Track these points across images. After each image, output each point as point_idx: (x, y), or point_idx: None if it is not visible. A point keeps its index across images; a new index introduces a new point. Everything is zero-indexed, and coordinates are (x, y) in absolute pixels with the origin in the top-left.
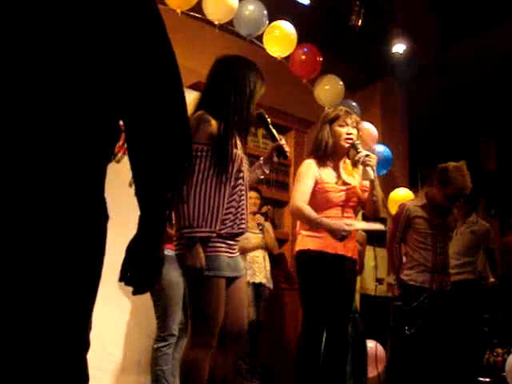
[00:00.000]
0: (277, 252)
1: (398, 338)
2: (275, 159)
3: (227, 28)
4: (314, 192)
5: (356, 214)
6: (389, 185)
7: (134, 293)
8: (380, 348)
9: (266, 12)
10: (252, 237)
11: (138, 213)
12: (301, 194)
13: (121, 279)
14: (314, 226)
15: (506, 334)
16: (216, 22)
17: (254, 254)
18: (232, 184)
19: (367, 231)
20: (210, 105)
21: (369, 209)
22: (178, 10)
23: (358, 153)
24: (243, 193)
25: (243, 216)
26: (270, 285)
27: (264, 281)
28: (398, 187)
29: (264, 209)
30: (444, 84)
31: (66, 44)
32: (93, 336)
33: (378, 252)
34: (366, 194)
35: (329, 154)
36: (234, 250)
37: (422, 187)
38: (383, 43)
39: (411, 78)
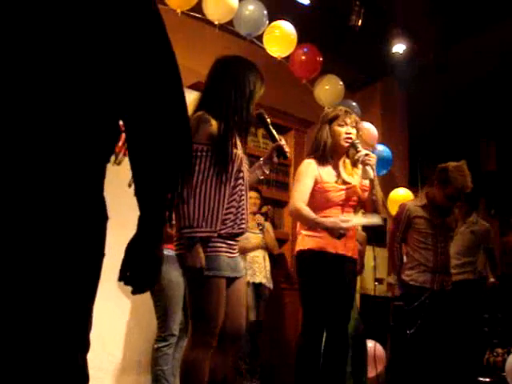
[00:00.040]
0: (277, 252)
1: (398, 337)
2: (275, 159)
3: (227, 28)
4: (313, 191)
5: (356, 214)
6: (388, 185)
7: (134, 292)
8: (379, 348)
9: (266, 12)
10: (252, 237)
11: (138, 213)
12: (300, 195)
13: (120, 279)
14: (311, 226)
15: (506, 334)
16: (216, 22)
17: (254, 254)
18: (232, 184)
19: (367, 228)
20: (210, 105)
21: (369, 208)
22: (178, 10)
23: (357, 152)
24: (243, 193)
25: (243, 216)
26: (270, 285)
27: (264, 281)
28: (398, 187)
29: (264, 209)
30: (444, 84)
31: (66, 44)
32: (93, 336)
33: (378, 252)
34: (366, 194)
35: (328, 153)
36: (234, 250)
37: (422, 187)
38: (383, 43)
39: (411, 77)
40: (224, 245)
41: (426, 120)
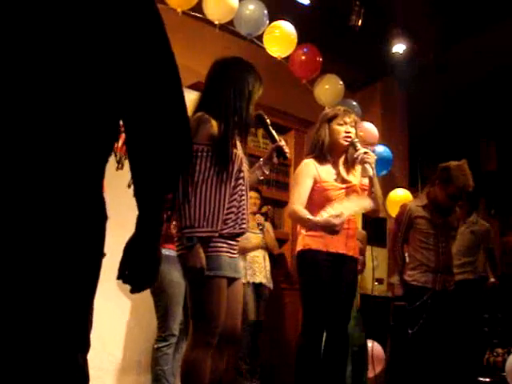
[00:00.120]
0: (277, 252)
1: (398, 337)
2: (275, 160)
3: (227, 28)
4: (313, 191)
5: (344, 201)
6: (389, 185)
7: (132, 291)
8: (378, 348)
9: (266, 12)
10: (252, 237)
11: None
12: (297, 197)
13: (119, 277)
14: (307, 227)
15: (506, 334)
16: (216, 22)
17: (254, 254)
18: (233, 184)
19: (367, 228)
20: (210, 106)
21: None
22: (179, 10)
23: (356, 150)
24: (244, 193)
25: (244, 216)
26: (270, 285)
27: (264, 281)
28: (398, 187)
29: (264, 209)
30: (444, 84)
31: (66, 44)
32: (93, 336)
33: (378, 252)
34: (366, 193)
35: (326, 152)
36: (235, 250)
37: (422, 187)
38: (383, 43)
39: (411, 77)
40: (225, 245)
41: (426, 120)
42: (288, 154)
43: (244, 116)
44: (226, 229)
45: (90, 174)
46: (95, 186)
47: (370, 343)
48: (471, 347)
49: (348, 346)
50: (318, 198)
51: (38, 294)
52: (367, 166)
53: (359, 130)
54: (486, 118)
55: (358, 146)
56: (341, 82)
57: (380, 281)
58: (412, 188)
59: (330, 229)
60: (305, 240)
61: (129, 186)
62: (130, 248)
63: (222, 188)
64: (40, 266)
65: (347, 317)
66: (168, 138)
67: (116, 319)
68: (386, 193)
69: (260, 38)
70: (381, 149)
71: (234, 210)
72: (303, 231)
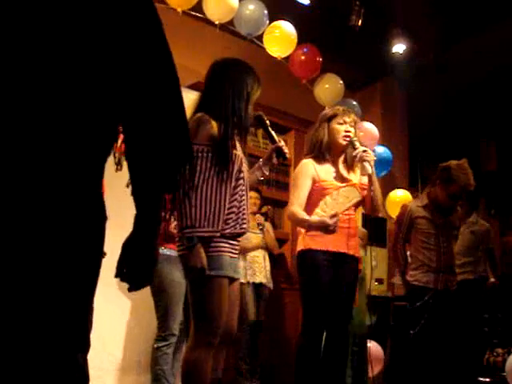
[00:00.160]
0: (277, 252)
1: (399, 337)
2: (275, 160)
3: (227, 28)
4: (312, 190)
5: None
6: (389, 185)
7: (130, 289)
8: (378, 348)
9: (266, 12)
10: (252, 237)
11: None
12: (296, 198)
13: (116, 275)
14: (305, 228)
15: (506, 334)
16: (216, 22)
17: (254, 254)
18: (233, 184)
19: (367, 227)
20: (210, 107)
21: (368, 206)
22: (179, 9)
23: (355, 149)
24: (244, 193)
25: (244, 216)
26: (270, 285)
27: (264, 281)
28: (398, 187)
29: (264, 209)
30: (444, 84)
31: (65, 46)
32: (93, 336)
33: (378, 252)
34: (365, 192)
35: (325, 151)
36: (235, 250)
37: (422, 187)
38: (383, 43)
39: (411, 77)
40: (227, 245)
41: (426, 120)
42: (288, 155)
43: (243, 117)
44: (227, 229)
45: (89, 174)
46: (94, 186)
47: (368, 343)
48: (471, 347)
49: (348, 345)
50: (318, 198)
51: (38, 294)
52: (366, 164)
53: (359, 130)
54: (486, 118)
55: (357, 144)
56: (341, 82)
57: (380, 281)
58: (412, 188)
59: (325, 229)
60: (305, 240)
61: (127, 186)
62: (128, 247)
63: (222, 188)
64: (40, 267)
65: (347, 317)
66: (166, 138)
67: (116, 319)
68: (386, 193)
69: (260, 38)
70: (380, 149)
71: (234, 210)
72: (303, 231)
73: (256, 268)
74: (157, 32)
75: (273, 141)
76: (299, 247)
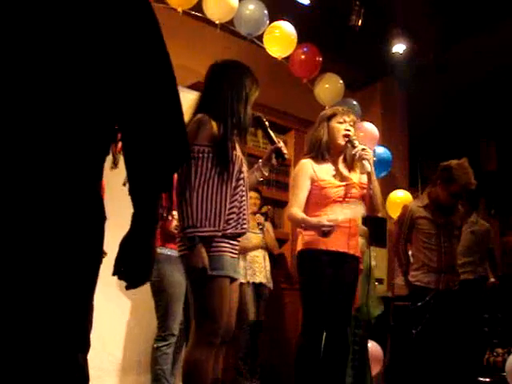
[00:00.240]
0: (277, 252)
1: (399, 337)
2: (274, 161)
3: (227, 28)
4: (311, 190)
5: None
6: (389, 185)
7: (128, 287)
8: (377, 348)
9: (266, 12)
10: (252, 237)
11: None
12: (296, 199)
13: (114, 273)
14: (304, 228)
15: (506, 334)
16: (217, 22)
17: (254, 254)
18: (233, 185)
19: (366, 226)
20: (209, 108)
21: (367, 205)
22: (179, 9)
23: (354, 148)
24: (244, 193)
25: (245, 216)
26: (270, 285)
27: (264, 281)
28: (398, 188)
29: (264, 209)
30: (444, 84)
31: (63, 46)
32: (93, 336)
33: (378, 252)
34: (365, 191)
35: (324, 151)
36: (236, 250)
37: (422, 187)
38: (383, 43)
39: (411, 77)
40: (228, 245)
41: (426, 120)
42: (287, 156)
43: (242, 118)
44: (228, 229)
45: (87, 174)
46: (93, 186)
47: (369, 343)
48: (471, 347)
49: (348, 345)
50: (317, 197)
51: (38, 294)
52: (365, 162)
53: (359, 131)
54: (486, 118)
55: (356, 143)
56: (341, 81)
57: (380, 281)
58: (412, 188)
59: (320, 230)
60: (305, 240)
61: (124, 184)
62: (125, 245)
63: (223, 188)
64: (39, 267)
65: (347, 317)
66: (163, 136)
67: (116, 319)
68: (386, 194)
69: (260, 38)
70: (380, 150)
71: (235, 210)
72: (303, 231)
73: (256, 268)
74: (154, 31)
75: (272, 142)
76: (299, 247)
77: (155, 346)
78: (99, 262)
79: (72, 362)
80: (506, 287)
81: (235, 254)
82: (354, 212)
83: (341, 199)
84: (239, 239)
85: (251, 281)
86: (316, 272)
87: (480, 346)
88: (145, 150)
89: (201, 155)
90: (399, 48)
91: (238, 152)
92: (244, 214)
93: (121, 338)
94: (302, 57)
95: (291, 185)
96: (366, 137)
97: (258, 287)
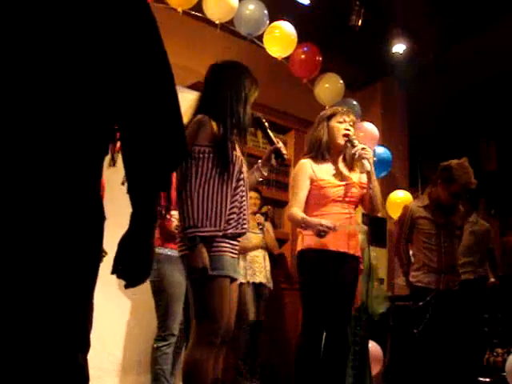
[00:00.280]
0: (277, 252)
1: (399, 337)
2: (273, 162)
3: (227, 28)
4: (311, 190)
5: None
6: (389, 185)
7: (126, 286)
8: (377, 348)
9: (266, 12)
10: (252, 237)
11: None
12: (295, 200)
13: (113, 272)
14: (304, 227)
15: (506, 334)
16: (217, 22)
17: (254, 254)
18: (234, 185)
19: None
20: (209, 108)
21: (367, 205)
22: (179, 9)
23: (354, 147)
24: (244, 193)
25: (245, 216)
26: (270, 285)
27: (264, 281)
28: (399, 188)
29: (264, 209)
30: (444, 84)
31: (61, 45)
32: (93, 336)
33: (378, 252)
34: (365, 191)
35: (324, 150)
36: (236, 250)
37: (422, 187)
38: (383, 43)
39: (411, 77)
40: (228, 245)
41: (426, 120)
42: (286, 156)
43: (241, 118)
44: (229, 229)
45: (86, 173)
46: (92, 185)
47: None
48: (471, 347)
49: (348, 345)
50: (317, 197)
51: (38, 294)
52: (365, 161)
53: (359, 131)
54: (486, 118)
55: (356, 142)
56: (341, 81)
57: (380, 281)
58: (412, 188)
59: (317, 229)
60: (305, 240)
61: (122, 183)
62: (124, 244)
63: (223, 188)
64: (39, 267)
65: (347, 317)
66: (161, 135)
67: (116, 319)
68: (386, 194)
69: (260, 38)
70: (380, 150)
71: (235, 210)
72: (303, 231)
73: (256, 268)
74: (151, 31)
75: (271, 142)
76: (299, 247)
77: (155, 345)
78: (99, 261)
79: (72, 362)
80: (506, 287)
81: (235, 254)
82: (352, 227)
83: (340, 199)
84: (239, 239)
85: (251, 281)
86: (316, 272)
87: (480, 345)
88: (143, 149)
89: (201, 155)
90: (399, 48)
91: (238, 152)
92: (244, 214)
93: (121, 338)
94: (302, 57)
95: (291, 185)
96: (366, 137)
97: (257, 287)
